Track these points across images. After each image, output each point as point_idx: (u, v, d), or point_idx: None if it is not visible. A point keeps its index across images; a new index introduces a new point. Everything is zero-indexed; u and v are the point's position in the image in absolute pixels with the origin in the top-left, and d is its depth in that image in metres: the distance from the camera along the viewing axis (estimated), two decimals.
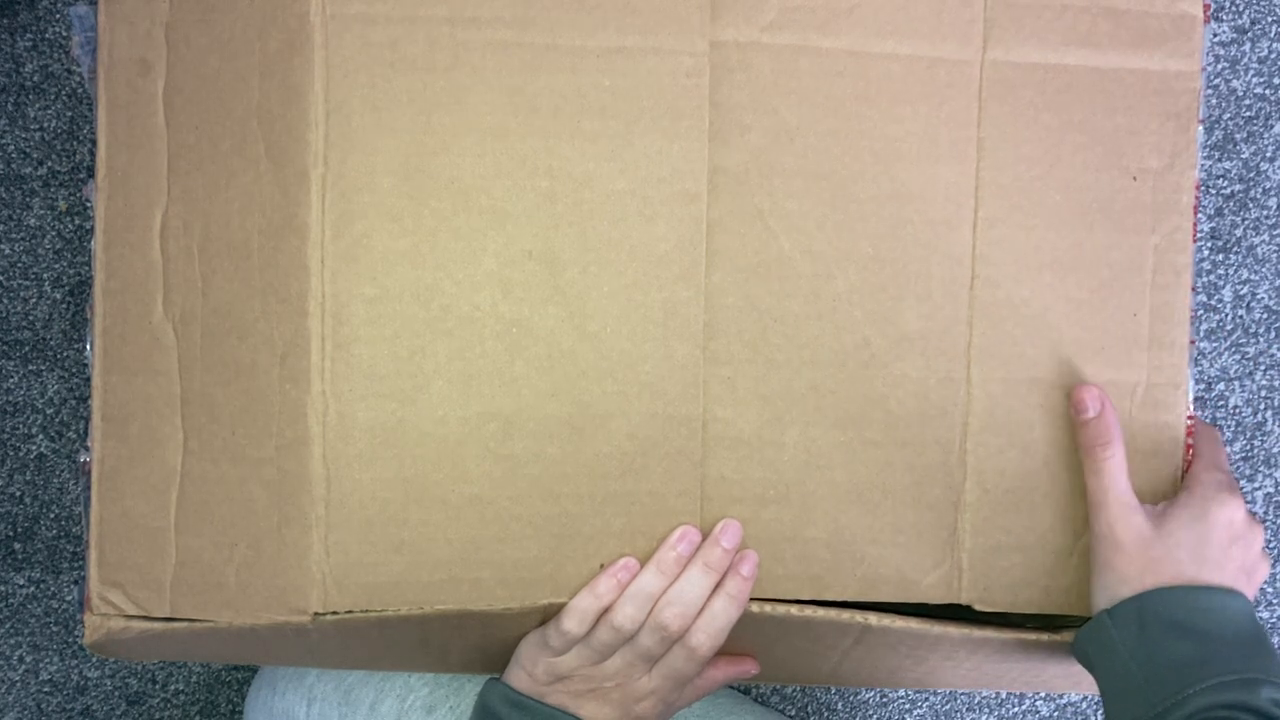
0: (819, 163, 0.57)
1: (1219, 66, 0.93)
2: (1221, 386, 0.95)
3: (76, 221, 0.91)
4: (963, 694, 0.96)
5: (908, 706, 0.97)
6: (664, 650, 0.58)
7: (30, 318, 0.91)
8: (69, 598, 0.94)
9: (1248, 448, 0.95)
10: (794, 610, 0.58)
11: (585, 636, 0.57)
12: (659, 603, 0.57)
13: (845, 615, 0.58)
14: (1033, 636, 0.59)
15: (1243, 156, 0.93)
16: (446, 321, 0.56)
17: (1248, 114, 0.93)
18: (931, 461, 0.58)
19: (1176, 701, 0.52)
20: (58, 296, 0.91)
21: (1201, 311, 0.95)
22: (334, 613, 0.56)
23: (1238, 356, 0.94)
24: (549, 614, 0.58)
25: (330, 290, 0.55)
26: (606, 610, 0.56)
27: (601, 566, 0.57)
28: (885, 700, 0.97)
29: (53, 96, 0.90)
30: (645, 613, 0.56)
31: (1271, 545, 0.97)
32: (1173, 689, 0.52)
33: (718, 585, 0.57)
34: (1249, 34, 0.93)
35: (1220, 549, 0.56)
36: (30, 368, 0.91)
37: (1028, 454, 0.59)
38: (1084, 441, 0.58)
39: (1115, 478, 0.57)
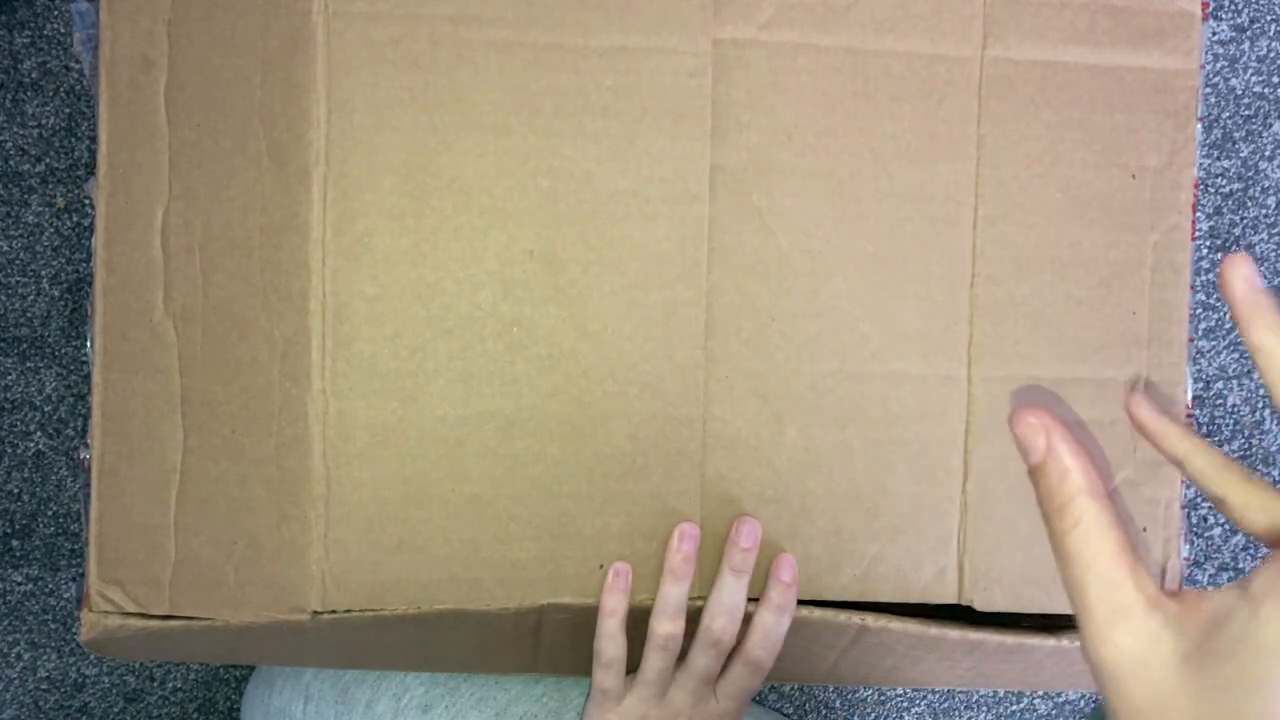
0: (817, 161, 0.57)
1: (1218, 65, 0.93)
2: (1220, 385, 0.95)
3: (74, 218, 0.91)
4: (960, 692, 0.96)
5: (905, 704, 0.97)
6: (719, 664, 0.58)
7: (28, 315, 0.91)
8: (66, 595, 0.93)
9: (1245, 446, 0.96)
10: None
11: (640, 673, 0.57)
12: (704, 619, 0.57)
13: (843, 616, 0.58)
14: (1032, 638, 0.59)
15: (1241, 155, 0.93)
16: (447, 320, 0.56)
17: (1246, 113, 0.93)
18: (932, 461, 0.58)
19: None
20: (55, 294, 0.91)
21: (1200, 310, 0.95)
22: (333, 611, 0.56)
23: (1236, 355, 0.95)
24: (547, 614, 0.58)
25: (331, 288, 0.55)
26: (615, 616, 0.57)
27: (601, 567, 0.57)
28: (883, 698, 0.97)
29: (51, 93, 0.90)
30: (682, 622, 0.57)
31: None
32: None
33: (763, 598, 0.57)
34: (1248, 33, 0.93)
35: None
36: (28, 365, 0.91)
37: None
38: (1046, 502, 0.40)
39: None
